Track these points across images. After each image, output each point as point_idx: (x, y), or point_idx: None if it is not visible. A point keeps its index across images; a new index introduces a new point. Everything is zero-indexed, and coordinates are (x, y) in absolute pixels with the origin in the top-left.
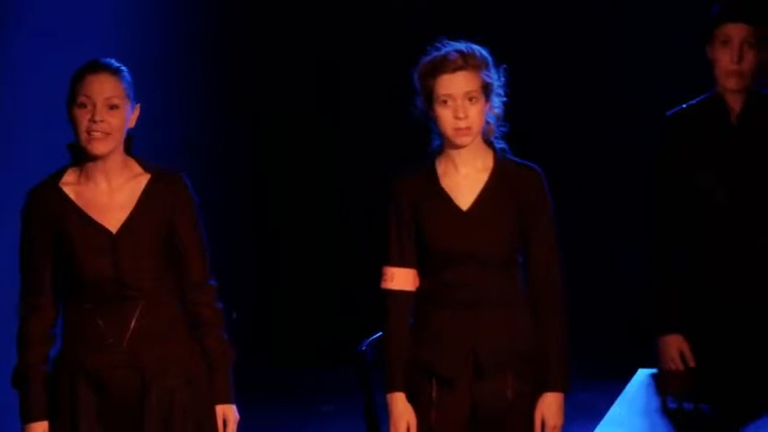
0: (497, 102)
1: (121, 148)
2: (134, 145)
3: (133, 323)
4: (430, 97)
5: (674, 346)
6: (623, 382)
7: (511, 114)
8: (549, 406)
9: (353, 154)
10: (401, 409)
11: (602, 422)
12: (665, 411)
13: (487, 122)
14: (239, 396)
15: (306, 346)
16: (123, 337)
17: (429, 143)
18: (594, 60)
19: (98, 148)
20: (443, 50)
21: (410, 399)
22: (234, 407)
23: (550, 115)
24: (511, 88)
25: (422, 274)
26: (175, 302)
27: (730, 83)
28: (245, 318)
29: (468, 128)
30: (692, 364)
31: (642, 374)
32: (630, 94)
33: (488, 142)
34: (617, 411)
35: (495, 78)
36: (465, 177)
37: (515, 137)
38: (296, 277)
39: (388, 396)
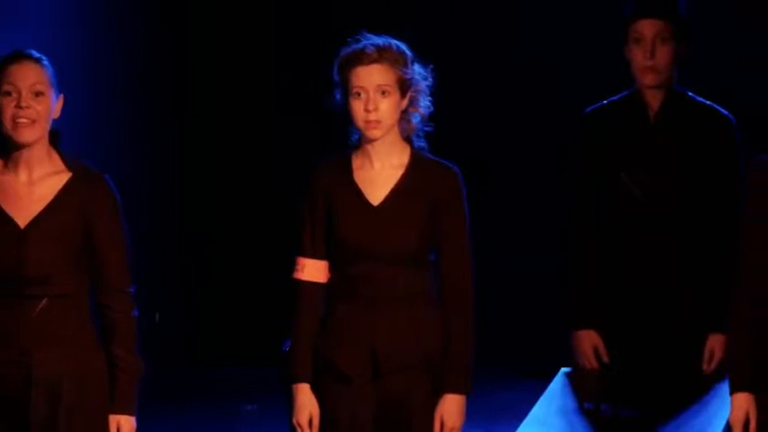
0: (423, 101)
1: (46, 139)
2: (62, 141)
3: (31, 322)
4: (346, 89)
5: (588, 342)
6: (546, 382)
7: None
8: (449, 407)
9: (281, 154)
10: (304, 401)
11: (525, 422)
12: (584, 412)
13: (408, 121)
14: (162, 396)
15: (228, 346)
16: (17, 335)
17: (349, 136)
18: (514, 60)
19: (24, 135)
20: (361, 43)
21: (315, 392)
22: (132, 418)
23: (470, 113)
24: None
25: (331, 268)
26: (85, 306)
27: (646, 79)
28: (169, 319)
29: (378, 121)
30: (605, 359)
31: (564, 374)
32: (551, 92)
33: (408, 140)
34: (539, 411)
35: (418, 75)
36: (379, 172)
37: (437, 136)
38: (219, 278)
39: (293, 387)
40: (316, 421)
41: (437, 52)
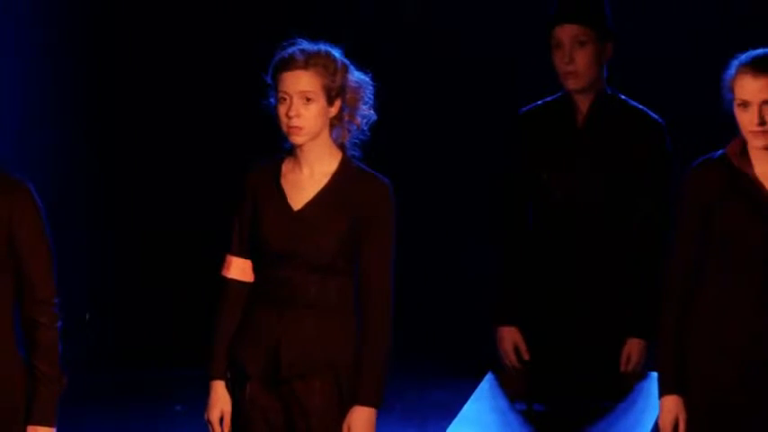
0: (361, 109)
1: None
2: None
3: None
4: (275, 93)
5: (509, 339)
6: (477, 381)
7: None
8: (357, 420)
9: (211, 155)
10: (217, 398)
11: (456, 420)
12: (521, 415)
13: (341, 128)
14: (91, 396)
15: (158, 346)
16: None
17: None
18: (440, 59)
19: None
20: (291, 48)
21: (229, 390)
22: (52, 429)
23: (397, 115)
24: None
25: (254, 269)
26: (7, 316)
27: (568, 84)
28: (98, 319)
29: (299, 127)
30: (525, 357)
31: (494, 373)
32: (478, 92)
33: (342, 147)
34: (470, 409)
35: (356, 82)
36: (307, 178)
37: (375, 139)
38: (149, 278)
39: (209, 383)
40: (227, 419)
41: (377, 57)
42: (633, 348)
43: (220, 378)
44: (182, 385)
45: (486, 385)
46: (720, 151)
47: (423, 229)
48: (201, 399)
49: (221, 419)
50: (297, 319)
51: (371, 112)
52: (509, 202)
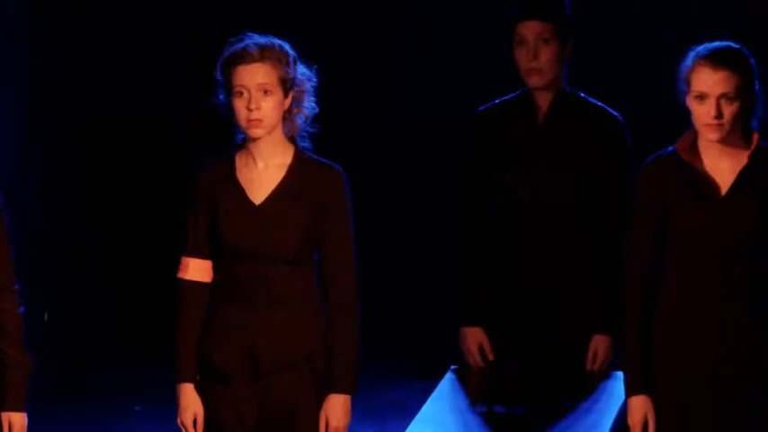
0: (308, 101)
1: None
2: None
3: None
4: (228, 88)
5: (474, 339)
6: (436, 380)
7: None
8: (334, 407)
9: (166, 153)
10: (188, 401)
11: (415, 419)
12: (480, 415)
13: (292, 121)
14: (48, 396)
15: (116, 345)
16: None
17: (234, 135)
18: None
19: None
20: (243, 42)
21: (199, 392)
22: (23, 414)
23: (359, 114)
24: (318, 86)
25: (214, 267)
26: None
27: (531, 81)
28: (57, 317)
29: (260, 120)
30: (490, 357)
31: (454, 372)
32: (440, 93)
33: (292, 140)
34: (429, 409)
35: (302, 75)
36: (263, 172)
37: (321, 136)
38: (108, 277)
39: (177, 387)
40: (200, 421)
41: (324, 52)
42: (599, 345)
43: (190, 381)
44: (140, 385)
45: (446, 385)
46: (671, 147)
47: (381, 229)
48: (160, 398)
49: (195, 422)
50: (269, 315)
51: (314, 105)
52: (470, 203)
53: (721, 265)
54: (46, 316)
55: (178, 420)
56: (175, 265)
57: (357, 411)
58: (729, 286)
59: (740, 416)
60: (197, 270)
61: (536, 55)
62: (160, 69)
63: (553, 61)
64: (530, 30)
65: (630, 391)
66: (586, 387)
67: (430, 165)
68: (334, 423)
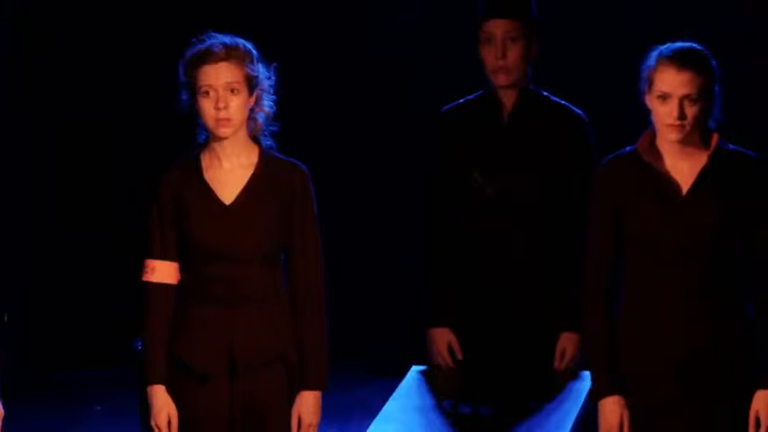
0: (267, 100)
1: None
2: None
3: None
4: (193, 89)
5: (443, 339)
6: (398, 379)
7: (283, 113)
8: (306, 404)
9: (123, 155)
10: (162, 403)
11: (377, 419)
12: (443, 414)
13: (255, 119)
14: (8, 397)
15: (76, 346)
16: None
17: (195, 137)
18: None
19: None
20: (207, 42)
21: (171, 393)
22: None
23: (326, 115)
24: (282, 87)
25: (182, 269)
26: None
27: (498, 79)
28: (17, 319)
29: (228, 119)
30: (459, 357)
31: (416, 371)
32: (406, 94)
33: (255, 139)
34: (391, 408)
35: (263, 74)
36: (229, 172)
37: (288, 136)
38: (68, 278)
39: (148, 389)
40: (174, 422)
41: (286, 51)
42: (567, 343)
43: (161, 382)
44: (100, 385)
45: (408, 383)
46: (629, 148)
47: (344, 228)
48: (121, 399)
49: (169, 424)
50: (243, 314)
51: (273, 103)
52: (436, 203)
53: (683, 265)
54: (5, 317)
55: (152, 423)
56: (137, 266)
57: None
58: (691, 286)
59: (707, 415)
60: (163, 272)
61: (504, 53)
62: (118, 70)
63: (520, 60)
64: (498, 28)
65: (601, 392)
66: (553, 387)
67: (397, 165)
68: (307, 420)
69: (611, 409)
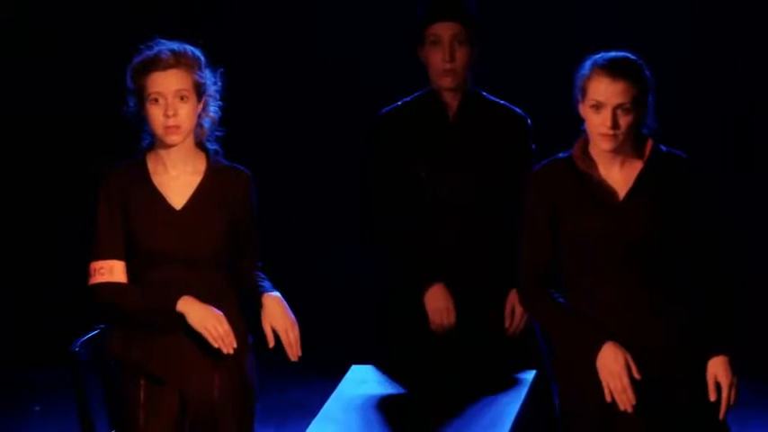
0: (213, 105)
1: None
2: None
3: None
4: (141, 95)
5: (441, 297)
6: (337, 379)
7: (229, 116)
8: (273, 307)
9: (59, 154)
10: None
11: (316, 419)
12: (383, 413)
13: (201, 125)
14: None
15: (12, 346)
16: None
17: (140, 142)
18: (308, 60)
19: None
20: (156, 49)
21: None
22: None
23: (264, 118)
24: (227, 90)
25: (129, 272)
26: None
27: (445, 82)
28: None
29: (178, 126)
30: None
31: (355, 370)
32: (346, 93)
33: (201, 145)
34: (331, 408)
35: (210, 80)
36: (177, 177)
37: (233, 139)
38: (5, 278)
39: (184, 305)
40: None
41: (231, 54)
42: (516, 299)
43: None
44: (39, 386)
45: (347, 383)
46: (563, 153)
47: (280, 229)
48: (59, 399)
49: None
50: None
51: (219, 108)
52: (382, 205)
53: (622, 270)
54: None
55: (206, 325)
56: (75, 266)
57: (257, 411)
58: (630, 290)
59: (661, 417)
60: (113, 273)
61: (452, 56)
62: (66, 71)
63: (467, 63)
64: (446, 31)
65: (593, 347)
66: (493, 385)
67: (339, 168)
68: (278, 325)
69: (612, 358)
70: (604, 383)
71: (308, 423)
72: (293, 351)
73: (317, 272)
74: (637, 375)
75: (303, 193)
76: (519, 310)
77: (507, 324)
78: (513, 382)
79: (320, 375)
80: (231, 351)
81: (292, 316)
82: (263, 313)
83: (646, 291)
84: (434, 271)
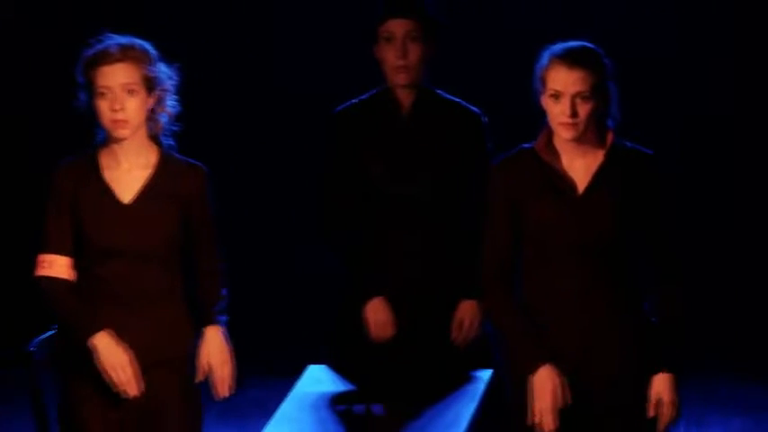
0: (170, 100)
1: None
2: None
3: None
4: (91, 89)
5: (381, 310)
6: (293, 379)
7: (186, 113)
8: (212, 342)
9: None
10: (115, 343)
11: (273, 419)
12: (338, 413)
13: (156, 120)
14: None
15: None
16: None
17: (93, 136)
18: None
19: None
20: (104, 43)
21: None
22: None
23: (225, 114)
24: (186, 87)
25: (77, 267)
26: None
27: (398, 78)
28: None
29: (125, 120)
30: (393, 330)
31: (312, 370)
32: (301, 92)
33: (156, 139)
34: (288, 408)
35: (164, 74)
36: (128, 172)
37: (190, 136)
38: None
39: (91, 341)
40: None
41: (185, 52)
42: (465, 311)
43: (102, 328)
44: None
45: (305, 383)
46: (527, 145)
47: (243, 228)
48: (14, 400)
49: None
50: (140, 314)
51: (177, 103)
52: (336, 203)
53: (580, 264)
54: None
55: (110, 363)
56: (31, 265)
57: (215, 410)
58: (589, 285)
59: (602, 415)
60: (59, 267)
61: (405, 53)
62: (18, 69)
63: (421, 60)
64: (399, 27)
65: (531, 366)
66: (449, 386)
67: (296, 166)
68: (211, 360)
69: (546, 379)
70: (530, 403)
71: (266, 422)
72: (222, 388)
73: (275, 271)
74: (568, 401)
75: (264, 190)
76: (467, 323)
77: (454, 336)
78: (470, 381)
79: (278, 375)
80: (133, 396)
81: (228, 351)
82: (201, 344)
83: (601, 287)
84: (378, 281)
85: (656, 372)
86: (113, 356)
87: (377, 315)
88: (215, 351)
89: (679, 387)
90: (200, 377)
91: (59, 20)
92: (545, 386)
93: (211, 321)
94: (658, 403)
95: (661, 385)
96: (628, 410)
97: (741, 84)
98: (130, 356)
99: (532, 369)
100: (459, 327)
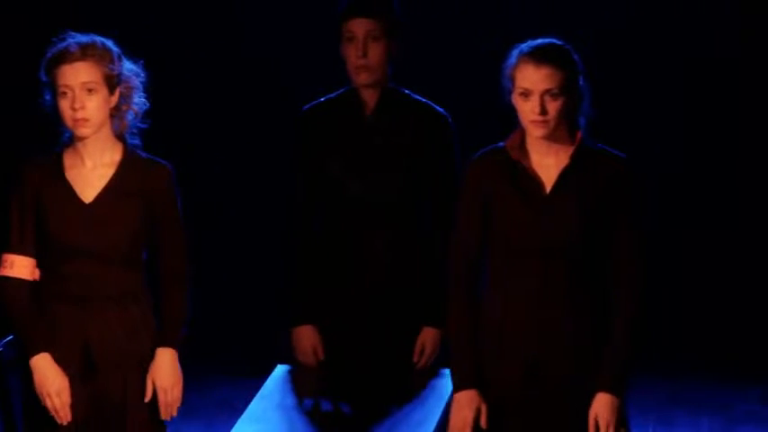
0: (137, 98)
1: None
2: None
3: None
4: (53, 89)
5: (306, 339)
6: (262, 379)
7: (153, 111)
8: (161, 364)
9: None
10: (54, 369)
11: (241, 418)
12: (306, 413)
13: (121, 118)
14: None
15: None
16: None
17: (59, 136)
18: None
19: None
20: (66, 42)
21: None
22: None
23: (191, 113)
24: (153, 85)
25: (40, 267)
26: None
27: (360, 78)
28: None
29: (86, 119)
30: (321, 356)
31: (280, 370)
32: (270, 89)
33: (121, 137)
34: (256, 407)
35: (129, 71)
36: (92, 171)
37: (156, 134)
38: None
39: (33, 360)
40: (67, 393)
41: (158, 50)
42: (428, 338)
43: (46, 350)
44: None
45: (272, 383)
46: (500, 144)
47: (208, 227)
48: None
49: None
50: (102, 313)
51: (144, 100)
52: (299, 202)
53: (542, 265)
54: None
55: (45, 390)
56: None
57: (182, 410)
58: (550, 286)
59: (554, 418)
60: (22, 267)
61: (366, 52)
62: None
63: (382, 59)
64: (360, 27)
65: (459, 385)
66: (414, 384)
67: (260, 164)
68: (160, 383)
69: (463, 404)
70: (450, 421)
71: (234, 422)
72: (167, 411)
73: (242, 270)
74: (484, 425)
75: (227, 188)
76: (428, 350)
77: (416, 359)
78: (439, 379)
79: (247, 375)
80: (65, 423)
81: (178, 375)
82: (151, 365)
83: (562, 288)
84: (311, 310)
85: (597, 390)
86: (49, 382)
87: (302, 343)
88: (164, 375)
89: (621, 407)
90: (147, 397)
91: (25, 18)
92: (462, 409)
93: (165, 342)
94: (597, 423)
95: (600, 407)
96: (580, 413)
97: (747, 26)
98: (65, 384)
99: (458, 388)
100: (420, 353)
